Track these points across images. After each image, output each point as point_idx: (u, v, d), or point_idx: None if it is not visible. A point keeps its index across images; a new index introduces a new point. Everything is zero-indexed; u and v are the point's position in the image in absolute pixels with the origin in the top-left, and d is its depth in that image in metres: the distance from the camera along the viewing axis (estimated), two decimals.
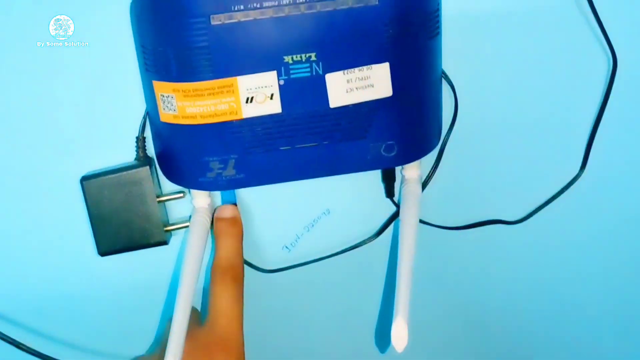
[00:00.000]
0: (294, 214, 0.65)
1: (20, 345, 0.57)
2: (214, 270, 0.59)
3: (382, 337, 0.71)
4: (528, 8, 0.59)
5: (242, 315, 0.59)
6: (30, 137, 0.59)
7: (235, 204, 0.63)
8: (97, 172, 0.59)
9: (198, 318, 0.63)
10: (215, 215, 0.62)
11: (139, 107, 0.59)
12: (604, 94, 0.62)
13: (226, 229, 0.61)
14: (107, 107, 0.59)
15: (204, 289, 0.66)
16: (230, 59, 0.52)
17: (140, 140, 0.59)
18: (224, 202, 0.63)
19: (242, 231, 0.62)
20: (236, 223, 0.62)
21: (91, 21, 0.56)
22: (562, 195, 0.66)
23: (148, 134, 0.60)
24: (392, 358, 0.70)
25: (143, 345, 0.68)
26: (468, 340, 0.74)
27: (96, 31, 0.56)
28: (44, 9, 0.56)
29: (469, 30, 0.60)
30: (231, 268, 0.59)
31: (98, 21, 0.56)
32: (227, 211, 0.62)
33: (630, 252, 0.70)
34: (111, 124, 0.59)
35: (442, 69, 0.60)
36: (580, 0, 0.59)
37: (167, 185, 0.61)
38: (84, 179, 0.59)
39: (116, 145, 0.60)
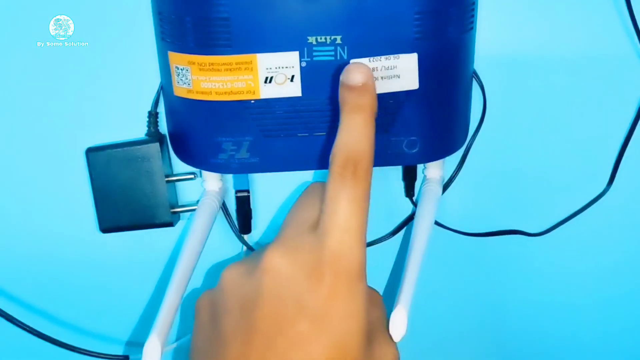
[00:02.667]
0: None
1: (14, 320, 0.57)
2: (332, 161, 0.46)
3: None
4: (566, 15, 0.58)
5: (366, 225, 0.46)
6: (36, 108, 0.58)
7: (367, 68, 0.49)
8: (103, 144, 0.58)
9: (304, 220, 0.48)
10: (341, 79, 0.48)
11: (154, 81, 0.57)
12: (637, 109, 0.61)
13: (354, 100, 0.47)
14: (120, 80, 0.58)
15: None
16: (251, 34, 0.50)
17: (153, 115, 0.58)
18: (236, 187, 0.61)
19: (376, 104, 0.48)
20: (367, 92, 0.47)
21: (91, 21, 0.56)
22: (587, 211, 0.64)
23: (162, 110, 0.59)
24: None
25: (139, 327, 0.67)
26: (478, 349, 0.72)
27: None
28: (44, 9, 0.56)
29: (503, 30, 0.58)
30: (354, 159, 0.45)
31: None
32: (357, 74, 0.47)
33: None
34: (124, 97, 0.58)
35: (474, 68, 0.58)
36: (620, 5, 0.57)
37: (179, 166, 0.60)
38: (89, 151, 0.57)
39: (128, 119, 0.59)
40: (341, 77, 0.48)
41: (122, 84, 0.58)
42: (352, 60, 0.51)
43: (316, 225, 0.46)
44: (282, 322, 0.43)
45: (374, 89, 0.48)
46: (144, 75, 0.57)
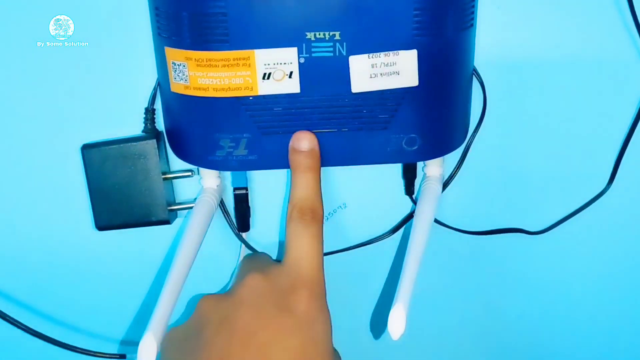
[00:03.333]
0: None
1: (9, 318, 0.57)
2: (291, 210, 0.54)
3: (378, 331, 0.70)
4: (566, 12, 0.58)
5: (323, 255, 0.54)
6: (33, 105, 0.58)
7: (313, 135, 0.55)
8: (100, 141, 0.57)
9: (268, 260, 0.60)
10: (290, 144, 0.55)
11: (151, 78, 0.57)
12: (638, 108, 0.60)
13: (304, 161, 0.55)
14: (116, 76, 0.57)
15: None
16: (249, 29, 0.49)
17: (149, 112, 0.57)
18: (234, 185, 0.61)
19: (319, 166, 0.56)
20: (314, 155, 0.55)
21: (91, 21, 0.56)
22: (587, 209, 0.64)
23: (158, 106, 0.58)
24: None
25: (136, 325, 0.66)
26: (478, 347, 0.72)
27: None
28: (44, 9, 0.55)
29: (503, 28, 0.58)
30: (311, 209, 0.54)
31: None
32: (305, 142, 0.55)
33: None
34: (120, 94, 0.58)
35: (474, 66, 0.58)
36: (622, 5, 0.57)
37: (176, 164, 0.60)
38: (85, 147, 0.57)
39: (124, 116, 0.58)
40: (291, 143, 0.55)
41: (118, 81, 0.57)
42: (297, 132, 0.54)
43: (273, 268, 0.54)
44: (264, 319, 0.50)
45: (319, 154, 0.55)
46: (141, 72, 0.57)
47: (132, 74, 0.57)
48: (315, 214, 0.54)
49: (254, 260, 0.60)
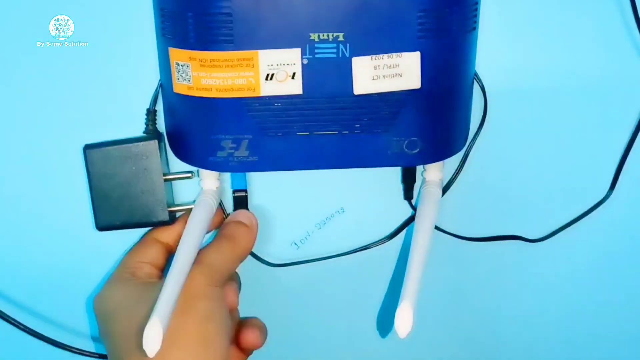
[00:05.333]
0: (306, 210, 0.64)
1: (6, 317, 0.57)
2: (199, 259, 0.55)
3: (384, 331, 0.69)
4: (569, 19, 0.58)
5: (223, 272, 0.56)
6: (35, 105, 0.58)
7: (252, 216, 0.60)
8: (102, 142, 0.57)
9: None
10: (229, 217, 0.60)
11: (153, 79, 0.57)
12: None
13: (239, 233, 0.58)
14: (119, 78, 0.57)
15: None
16: (253, 30, 0.49)
17: (151, 113, 0.57)
18: (233, 187, 0.61)
19: (250, 249, 0.60)
20: (252, 233, 0.60)
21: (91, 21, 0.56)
22: (587, 217, 0.64)
23: (160, 108, 0.58)
24: None
25: None
26: (476, 354, 0.72)
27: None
28: (44, 9, 0.55)
29: (505, 33, 0.58)
30: (218, 274, 0.56)
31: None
32: (244, 215, 0.60)
33: None
34: (122, 95, 0.58)
35: (475, 70, 0.58)
36: (624, 8, 0.57)
37: (176, 166, 0.59)
38: (88, 147, 0.56)
39: (126, 117, 0.58)
40: (230, 216, 0.60)
41: (120, 82, 0.57)
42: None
43: None
44: None
45: (255, 232, 0.60)
46: (143, 73, 0.57)
47: (134, 75, 0.57)
48: (220, 277, 0.56)
49: None
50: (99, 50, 0.56)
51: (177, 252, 0.53)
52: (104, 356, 0.60)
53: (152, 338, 0.47)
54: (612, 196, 0.63)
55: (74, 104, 0.58)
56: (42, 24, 0.55)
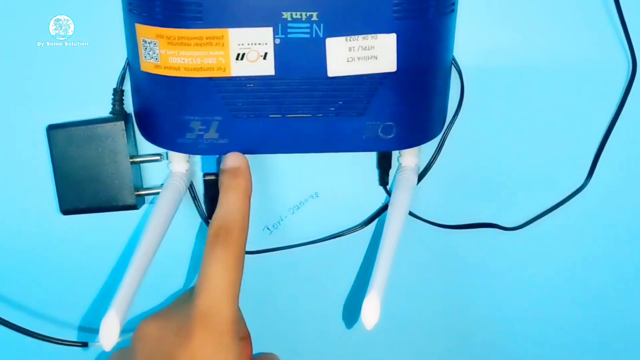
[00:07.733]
0: (280, 194, 0.63)
1: None
2: (208, 232, 0.52)
3: (350, 322, 0.69)
4: (548, 5, 0.57)
5: (236, 286, 0.51)
6: None
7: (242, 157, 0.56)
8: (66, 122, 0.56)
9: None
10: (221, 166, 0.56)
11: (120, 57, 0.56)
12: (619, 102, 0.60)
13: (227, 181, 0.54)
14: (84, 56, 0.56)
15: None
16: (223, 7, 0.48)
17: (118, 93, 0.56)
18: (204, 170, 0.60)
19: (249, 185, 0.54)
20: (239, 174, 0.54)
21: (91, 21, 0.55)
22: (564, 205, 0.64)
23: (128, 87, 0.57)
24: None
25: (99, 313, 0.65)
26: (450, 342, 0.72)
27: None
28: (44, 9, 0.55)
29: (483, 17, 0.57)
30: (225, 230, 0.51)
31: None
32: (230, 160, 0.55)
33: (631, 270, 0.68)
34: (88, 73, 0.57)
35: (453, 55, 0.57)
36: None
37: (146, 148, 0.58)
38: (51, 128, 0.55)
39: (92, 97, 0.57)
40: (221, 164, 0.55)
41: (85, 60, 0.56)
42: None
43: (173, 307, 0.53)
44: None
45: (248, 173, 0.54)
46: (109, 51, 0.56)
47: (100, 53, 0.56)
48: (229, 234, 0.51)
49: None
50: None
51: (141, 237, 0.52)
52: (66, 342, 0.60)
53: (109, 331, 0.47)
54: (589, 185, 0.63)
55: (39, 83, 0.56)
56: (42, 24, 0.55)
